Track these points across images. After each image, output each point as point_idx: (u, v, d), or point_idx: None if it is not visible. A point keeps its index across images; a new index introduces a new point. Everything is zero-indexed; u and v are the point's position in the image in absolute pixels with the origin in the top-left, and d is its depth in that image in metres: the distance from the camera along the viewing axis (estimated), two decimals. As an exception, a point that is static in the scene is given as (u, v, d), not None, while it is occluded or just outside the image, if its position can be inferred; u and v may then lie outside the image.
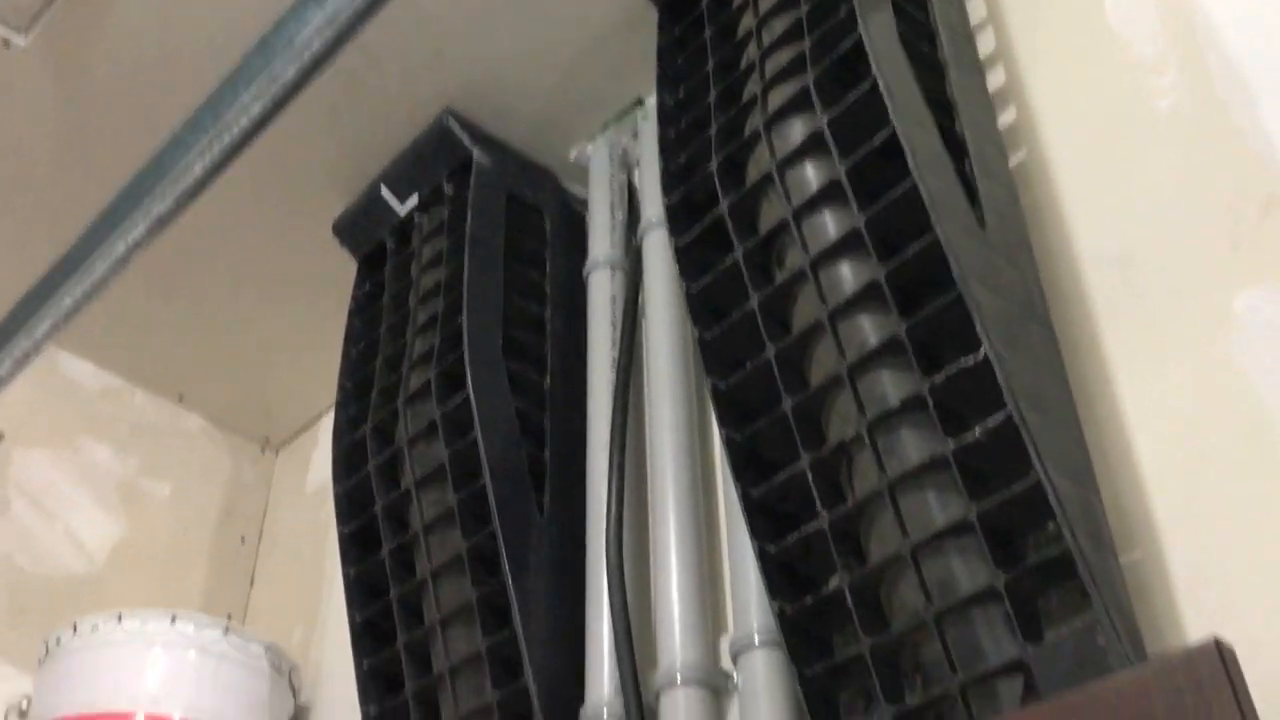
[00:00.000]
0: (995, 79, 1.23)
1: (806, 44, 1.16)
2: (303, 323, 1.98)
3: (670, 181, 1.27)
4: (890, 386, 1.01)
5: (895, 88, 1.06)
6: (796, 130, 1.16)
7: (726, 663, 1.13)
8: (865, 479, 1.00)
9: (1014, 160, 1.16)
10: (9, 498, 1.82)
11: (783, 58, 1.20)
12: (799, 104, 1.15)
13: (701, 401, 1.31)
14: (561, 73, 1.60)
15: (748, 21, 1.29)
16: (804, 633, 1.01)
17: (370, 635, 1.39)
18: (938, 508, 0.95)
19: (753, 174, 1.19)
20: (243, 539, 2.07)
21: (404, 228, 1.67)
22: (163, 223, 0.83)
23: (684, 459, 1.25)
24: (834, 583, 0.99)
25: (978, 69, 1.20)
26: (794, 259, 1.11)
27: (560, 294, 1.52)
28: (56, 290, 0.90)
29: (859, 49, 1.10)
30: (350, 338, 1.63)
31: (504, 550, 1.24)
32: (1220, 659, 0.67)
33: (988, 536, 0.90)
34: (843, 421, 1.04)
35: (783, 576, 1.04)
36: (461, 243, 1.48)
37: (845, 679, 1.00)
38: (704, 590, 1.17)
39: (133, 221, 0.83)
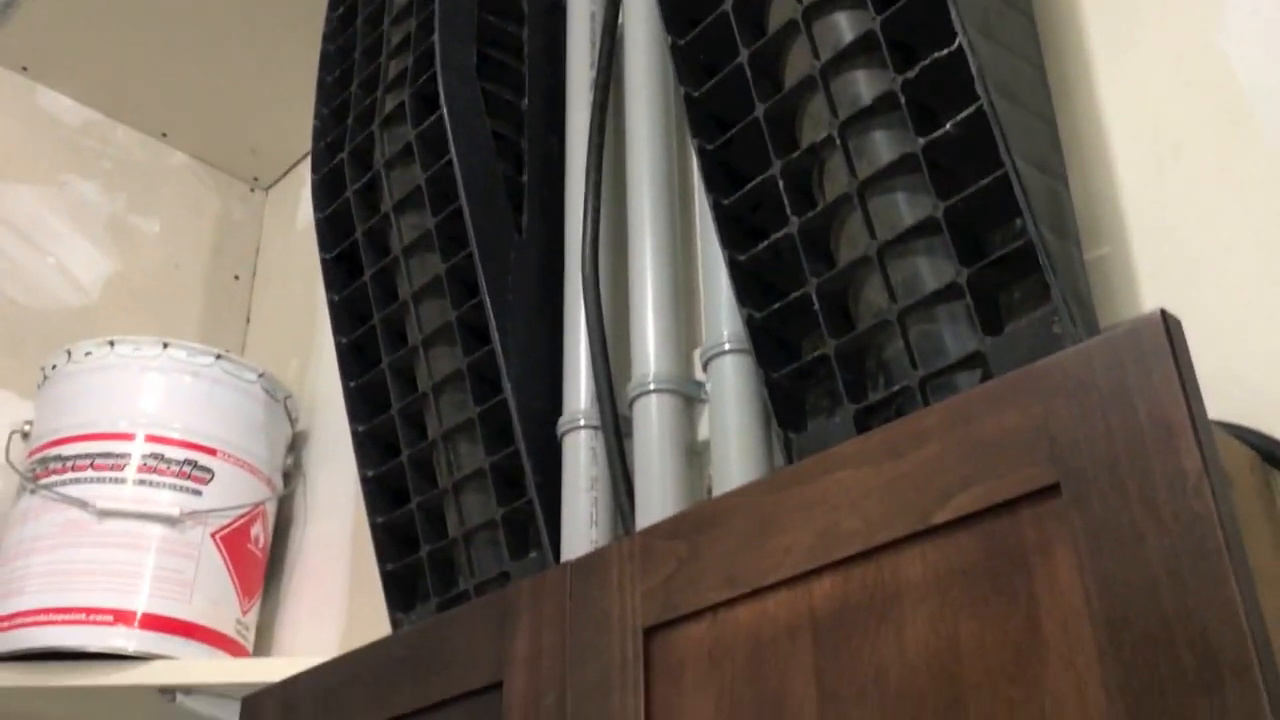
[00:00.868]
0: None
1: None
2: (285, 60, 1.94)
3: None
4: (864, 86, 0.98)
5: None
6: None
7: (700, 374, 1.15)
8: (835, 182, 0.99)
9: None
10: (-3, 232, 1.83)
11: None
12: None
13: (680, 118, 1.28)
14: None
15: None
16: (771, 337, 1.02)
17: (356, 358, 1.42)
18: (906, 208, 0.94)
19: None
20: (236, 277, 2.08)
21: (377, -54, 1.59)
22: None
23: (661, 176, 1.23)
24: (802, 287, 0.99)
25: None
26: (769, -43, 1.06)
27: (536, 13, 1.47)
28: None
29: None
30: (325, 64, 1.59)
31: (481, 271, 1.25)
32: (1165, 330, 0.67)
33: (954, 234, 0.90)
34: (815, 125, 1.01)
35: (752, 284, 1.04)
36: (434, -42, 1.41)
37: (811, 381, 1.01)
38: (678, 304, 1.18)
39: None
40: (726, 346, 1.08)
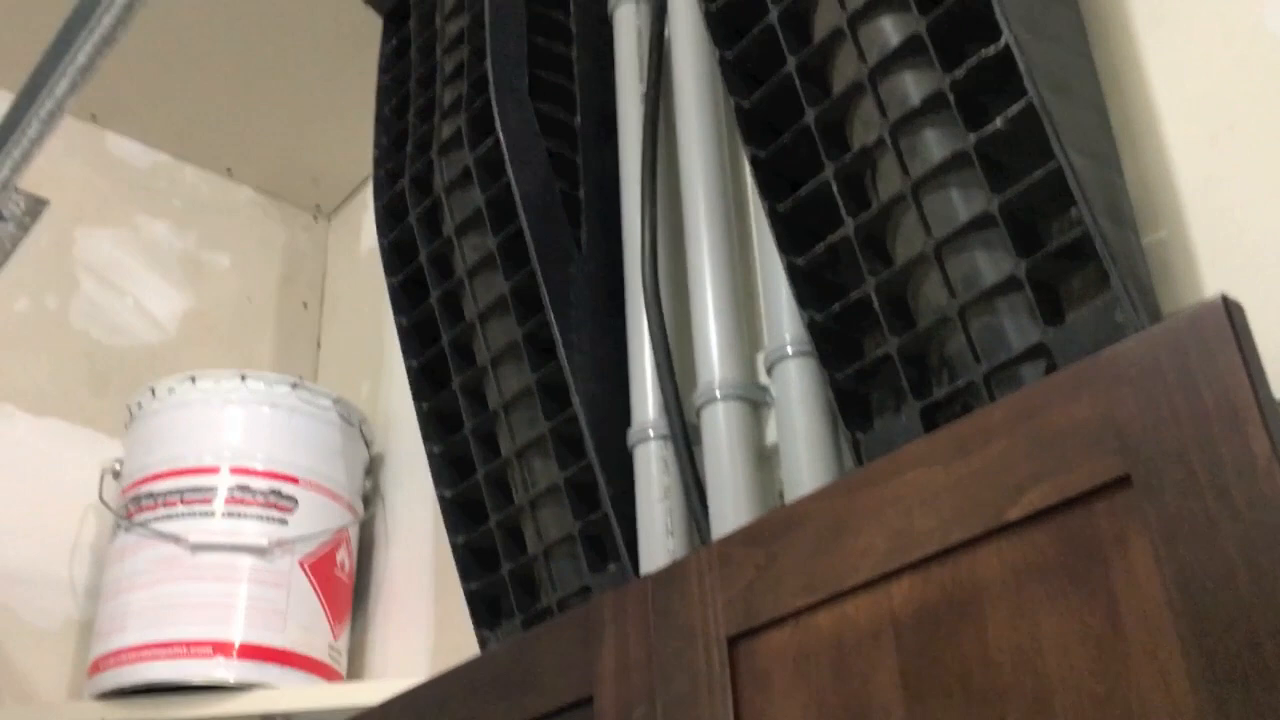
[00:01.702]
0: None
1: None
2: (341, 89, 1.99)
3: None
4: (912, 87, 0.99)
5: None
6: None
7: (764, 378, 1.16)
8: (889, 182, 1.00)
9: None
10: (77, 277, 1.89)
11: None
12: None
13: (730, 125, 1.29)
14: None
15: None
16: (834, 338, 1.03)
17: (427, 379, 1.45)
18: (961, 204, 0.95)
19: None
20: (305, 304, 2.14)
21: (424, -24, 1.63)
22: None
23: (715, 183, 1.25)
24: (861, 287, 1.00)
25: None
26: (811, -36, 1.07)
27: (585, 32, 1.49)
28: (69, 47, 0.90)
29: None
30: (382, 95, 1.63)
31: (544, 288, 1.27)
32: (1227, 315, 0.66)
33: (1010, 227, 0.90)
34: (865, 127, 1.02)
35: (811, 286, 1.05)
36: (480, -15, 1.44)
37: (875, 380, 1.02)
38: (739, 309, 1.19)
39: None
40: (789, 350, 1.09)
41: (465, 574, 1.35)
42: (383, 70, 1.66)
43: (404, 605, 1.65)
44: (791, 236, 1.06)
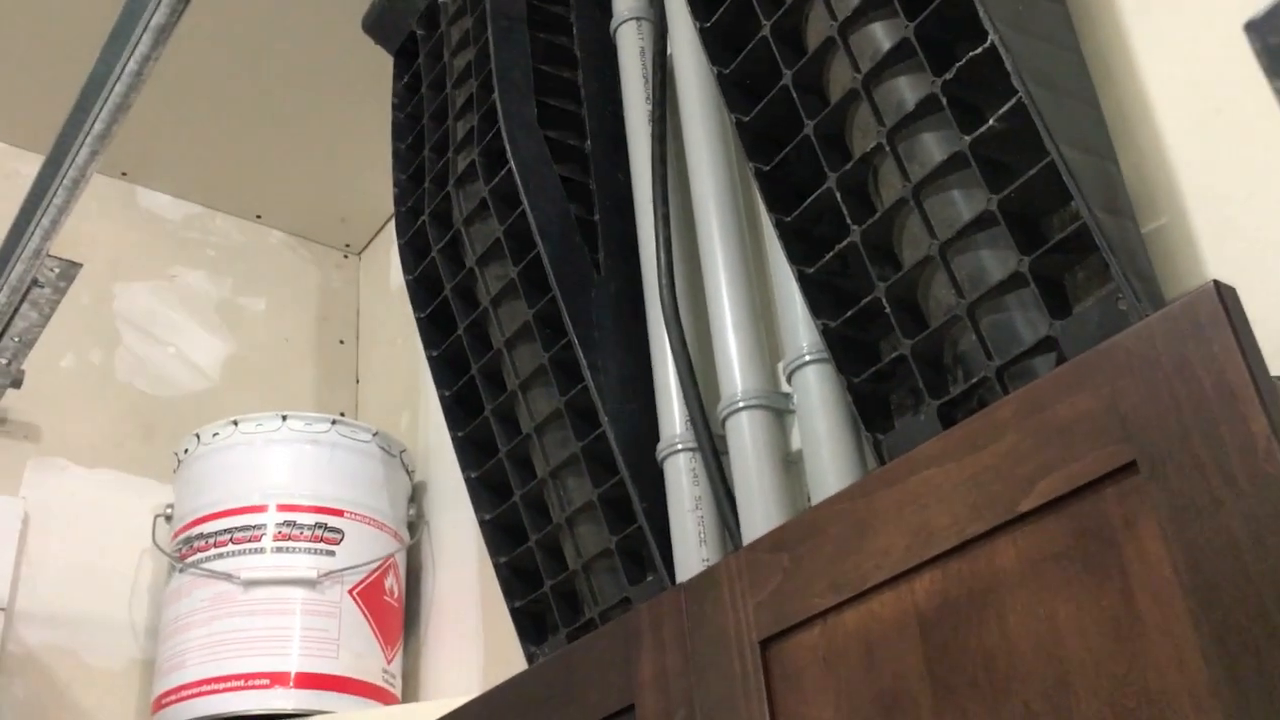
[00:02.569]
0: None
1: None
2: (362, 127, 2.03)
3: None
4: (906, 91, 1.01)
5: None
6: None
7: (785, 385, 1.18)
8: (890, 187, 1.02)
9: None
10: (119, 330, 1.95)
11: None
12: None
13: (738, 140, 1.32)
14: None
15: None
16: (848, 344, 1.05)
17: (461, 407, 1.48)
18: (962, 204, 0.97)
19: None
20: (341, 341, 2.19)
21: (430, 13, 1.67)
22: (164, 32, 0.86)
23: (725, 197, 1.27)
24: (872, 293, 1.02)
25: None
26: (802, -22, 1.10)
27: (589, 56, 1.52)
28: (86, 115, 0.95)
29: None
30: (397, 132, 1.67)
31: (565, 312, 1.30)
32: (1220, 300, 0.68)
33: (1011, 224, 0.92)
34: (864, 135, 1.05)
35: (823, 294, 1.07)
36: (485, 19, 1.48)
37: (892, 382, 1.04)
38: (756, 320, 1.21)
39: (136, 37, 0.87)
40: (807, 357, 1.11)
41: (509, 592, 1.38)
42: (396, 107, 1.70)
43: (453, 626, 1.69)
44: (800, 247, 1.09)
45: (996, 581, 0.75)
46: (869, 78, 1.02)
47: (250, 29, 1.86)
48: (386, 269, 2.19)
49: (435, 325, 1.52)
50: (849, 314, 1.04)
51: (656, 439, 1.25)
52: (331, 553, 1.59)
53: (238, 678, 1.48)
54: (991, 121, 0.92)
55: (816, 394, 1.10)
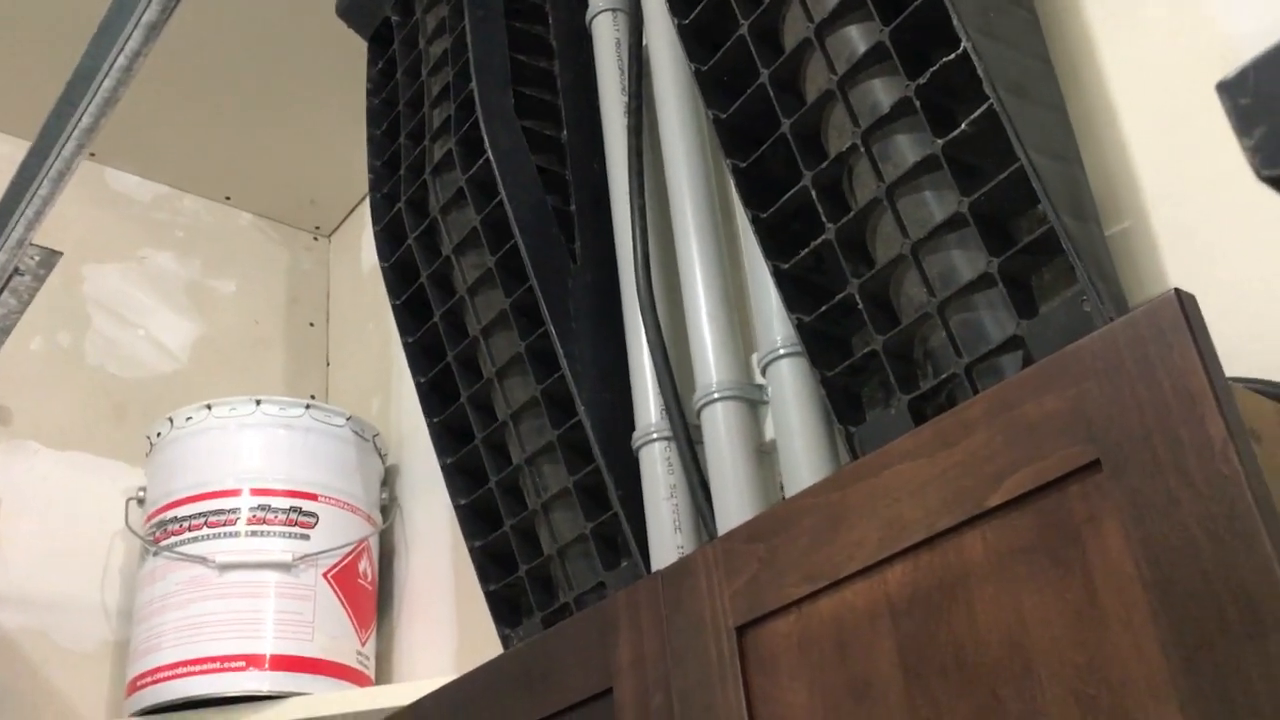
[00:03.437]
0: None
1: None
2: (332, 110, 2.04)
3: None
4: (881, 93, 1.04)
5: None
6: None
7: (760, 377, 1.21)
8: (864, 187, 1.05)
9: None
10: (89, 313, 1.95)
11: None
12: None
13: (714, 132, 1.34)
14: None
15: None
16: (822, 338, 1.08)
17: (436, 394, 1.50)
18: (935, 205, 1.00)
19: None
20: (311, 324, 2.19)
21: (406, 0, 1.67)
22: (155, 28, 0.87)
23: (701, 191, 1.29)
24: (846, 289, 1.05)
25: None
26: (778, -20, 1.12)
27: (566, 46, 1.53)
28: (74, 108, 0.95)
29: None
30: (372, 118, 1.67)
31: (542, 302, 1.32)
32: (1180, 307, 0.71)
33: (981, 226, 0.95)
34: (839, 134, 1.07)
35: (797, 290, 1.10)
36: (461, 6, 1.49)
37: (864, 376, 1.07)
38: (732, 312, 1.24)
39: (126, 32, 0.87)
40: (781, 350, 1.14)
41: (484, 576, 1.40)
42: (371, 93, 1.70)
43: (427, 609, 1.71)
44: (775, 243, 1.11)
45: (965, 573, 0.78)
46: (845, 79, 1.05)
47: (222, 11, 1.85)
48: (357, 252, 2.20)
49: (411, 312, 1.54)
50: (823, 309, 1.07)
51: (632, 428, 1.28)
52: (306, 536, 1.60)
53: (213, 660, 1.50)
54: (964, 126, 0.95)
55: (790, 386, 1.12)
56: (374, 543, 1.73)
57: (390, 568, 1.79)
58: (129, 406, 1.91)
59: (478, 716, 1.11)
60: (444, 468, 1.46)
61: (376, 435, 1.79)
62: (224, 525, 1.58)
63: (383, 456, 1.81)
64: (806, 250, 1.08)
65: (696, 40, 1.20)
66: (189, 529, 1.58)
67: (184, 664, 1.50)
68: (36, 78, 1.65)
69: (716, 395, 1.19)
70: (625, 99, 1.41)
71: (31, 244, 1.10)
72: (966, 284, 0.96)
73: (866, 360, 1.05)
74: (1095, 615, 0.71)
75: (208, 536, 1.57)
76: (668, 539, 1.19)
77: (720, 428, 1.17)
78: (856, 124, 1.03)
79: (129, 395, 1.92)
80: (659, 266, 1.31)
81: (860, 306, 1.03)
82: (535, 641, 1.06)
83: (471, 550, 1.42)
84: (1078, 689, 0.70)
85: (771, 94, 1.11)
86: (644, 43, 1.44)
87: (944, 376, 0.98)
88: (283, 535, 1.59)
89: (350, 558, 1.64)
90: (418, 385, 1.50)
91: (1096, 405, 0.73)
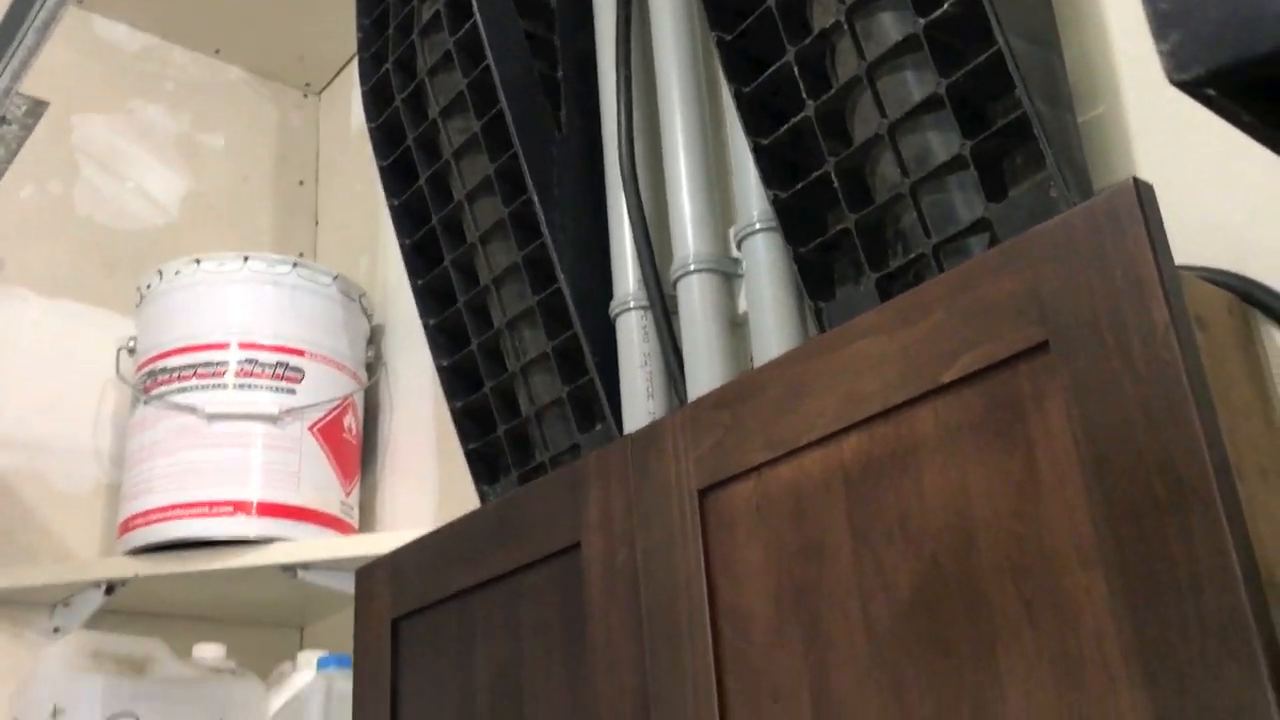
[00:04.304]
0: None
1: None
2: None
3: None
4: (867, -30, 1.03)
5: None
6: None
7: (736, 251, 1.23)
8: (846, 65, 1.05)
9: None
10: (77, 162, 1.95)
11: None
12: None
13: (702, 9, 1.33)
14: None
15: None
16: (797, 215, 1.10)
17: (420, 257, 1.52)
18: (914, 86, 1.01)
19: None
20: (301, 182, 2.19)
21: None
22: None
23: (687, 65, 1.30)
24: (822, 167, 1.07)
25: None
26: None
27: (558, -93, 1.51)
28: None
29: None
30: (362, -26, 1.65)
31: (526, 169, 1.33)
32: (1137, 196, 0.74)
33: (957, 108, 0.96)
34: (824, 12, 1.07)
35: (775, 166, 1.11)
36: None
37: (836, 253, 1.10)
38: (711, 187, 1.26)
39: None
40: (757, 225, 1.16)
41: (464, 435, 1.45)
42: (362, -52, 1.68)
43: (409, 464, 1.76)
44: (756, 118, 1.12)
45: (916, 446, 0.82)
46: (832, -46, 1.04)
47: None
48: (347, 111, 2.18)
49: (397, 174, 1.55)
50: (799, 186, 1.09)
51: (610, 296, 1.31)
52: (292, 391, 1.64)
53: (202, 504, 1.55)
54: (946, 5, 0.95)
55: (764, 260, 1.15)
56: (359, 399, 1.77)
57: (375, 424, 1.84)
58: (119, 258, 1.92)
59: (451, 567, 1.16)
60: (427, 329, 1.49)
61: (363, 295, 1.82)
62: (212, 377, 1.61)
63: (369, 315, 1.84)
64: (786, 126, 1.09)
65: (688, -93, 1.19)
66: (178, 379, 1.62)
67: (174, 507, 1.56)
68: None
69: (693, 268, 1.21)
70: (617, -35, 1.40)
71: (18, 93, 1.10)
72: (939, 165, 0.97)
73: (839, 238, 1.07)
74: (1034, 488, 0.75)
75: (196, 388, 1.61)
76: (640, 405, 1.23)
77: (695, 299, 1.20)
78: (841, 0, 1.04)
79: (119, 246, 1.94)
80: (643, 138, 1.32)
81: (836, 184, 1.05)
82: (510, 498, 1.11)
83: (453, 410, 1.46)
84: (1013, 558, 0.75)
85: (760, -34, 1.10)
86: (638, -94, 1.41)
87: (913, 256, 1.00)
88: (270, 389, 1.63)
89: (335, 412, 1.68)
90: (402, 247, 1.52)
91: (1049, 289, 0.76)
